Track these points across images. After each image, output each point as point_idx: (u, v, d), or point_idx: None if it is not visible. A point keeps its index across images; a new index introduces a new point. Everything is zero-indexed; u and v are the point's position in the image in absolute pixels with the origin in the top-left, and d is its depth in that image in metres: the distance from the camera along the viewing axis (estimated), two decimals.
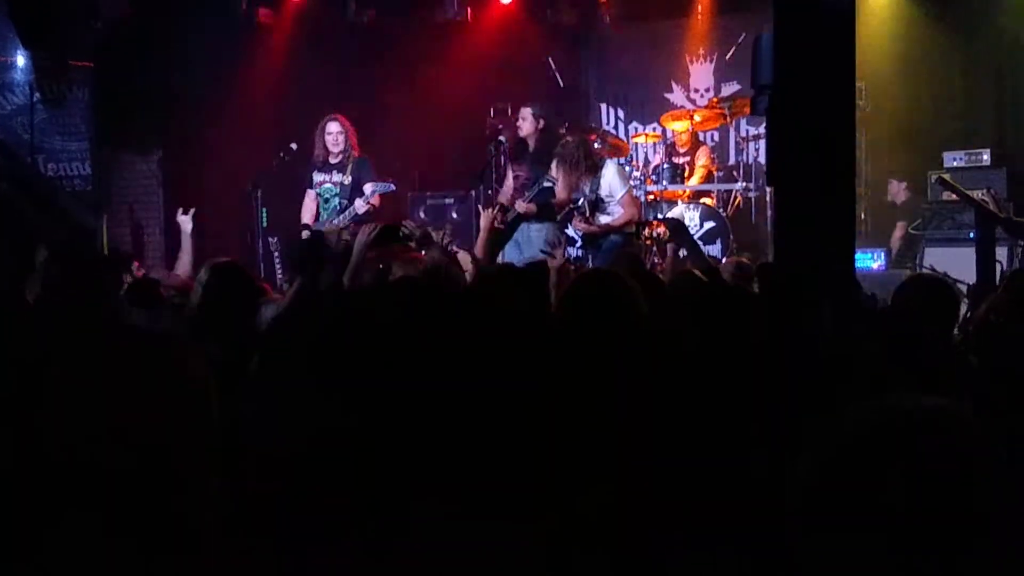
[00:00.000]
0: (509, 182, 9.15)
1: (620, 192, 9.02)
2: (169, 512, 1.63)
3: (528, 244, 8.73)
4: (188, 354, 1.71)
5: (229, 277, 4.78)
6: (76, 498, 1.62)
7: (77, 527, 1.62)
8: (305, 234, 8.97)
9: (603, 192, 9.00)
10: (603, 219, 9.01)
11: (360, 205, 8.83)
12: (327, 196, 9.15)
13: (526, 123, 8.97)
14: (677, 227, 5.87)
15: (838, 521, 1.27)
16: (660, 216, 10.21)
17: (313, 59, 11.61)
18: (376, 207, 8.93)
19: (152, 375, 1.67)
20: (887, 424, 1.30)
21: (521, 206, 8.72)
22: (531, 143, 9.01)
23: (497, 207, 8.55)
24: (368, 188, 8.86)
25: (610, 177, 9.05)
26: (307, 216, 9.17)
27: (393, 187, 9.10)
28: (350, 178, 9.02)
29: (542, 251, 7.51)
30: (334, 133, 9.01)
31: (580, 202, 9.02)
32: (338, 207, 9.05)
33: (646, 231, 5.99)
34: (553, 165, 8.97)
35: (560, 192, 9.03)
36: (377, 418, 2.55)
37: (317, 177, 9.17)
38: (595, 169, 9.04)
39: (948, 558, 1.23)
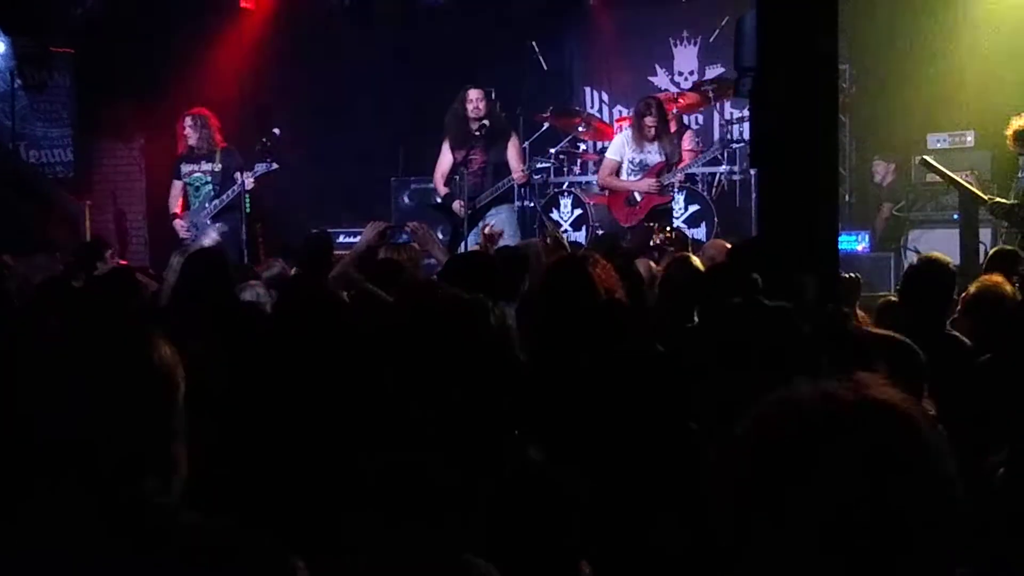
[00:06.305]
0: (445, 165, 9.05)
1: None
2: (133, 490, 1.64)
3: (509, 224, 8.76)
4: (155, 340, 1.71)
5: (203, 263, 4.78)
6: (41, 472, 1.64)
7: (43, 501, 1.64)
8: (181, 224, 9.08)
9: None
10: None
11: (248, 183, 8.85)
12: (197, 185, 9.27)
13: (482, 105, 8.89)
14: (682, 238, 6.23)
15: (764, 514, 1.20)
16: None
17: (296, 44, 11.55)
18: (258, 188, 9.01)
19: (119, 359, 1.68)
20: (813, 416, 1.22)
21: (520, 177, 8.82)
22: (483, 125, 8.89)
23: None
24: (246, 173, 8.89)
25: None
26: (175, 206, 9.30)
27: (276, 166, 9.05)
28: (220, 166, 9.16)
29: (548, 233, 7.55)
30: (187, 128, 9.20)
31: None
32: (211, 194, 9.17)
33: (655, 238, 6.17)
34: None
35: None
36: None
37: (185, 168, 9.31)
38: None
39: (881, 560, 1.16)
